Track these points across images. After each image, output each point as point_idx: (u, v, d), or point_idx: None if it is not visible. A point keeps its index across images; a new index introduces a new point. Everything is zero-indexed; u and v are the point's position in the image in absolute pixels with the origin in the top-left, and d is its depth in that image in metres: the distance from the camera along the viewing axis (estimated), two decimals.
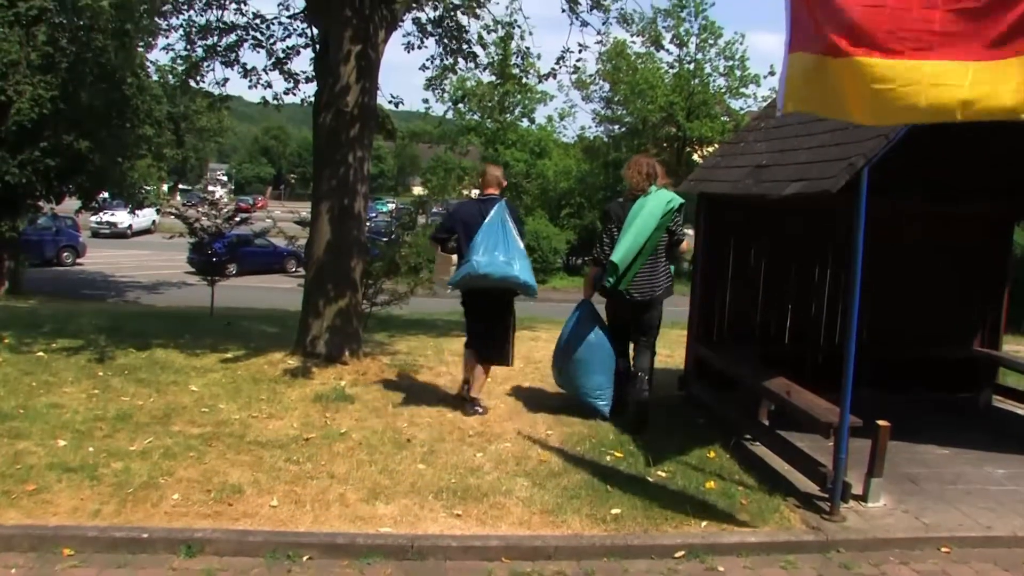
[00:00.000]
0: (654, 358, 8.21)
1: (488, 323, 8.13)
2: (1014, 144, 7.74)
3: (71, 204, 26.28)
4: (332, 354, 9.75)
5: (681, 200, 7.76)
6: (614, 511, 6.12)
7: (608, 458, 7.31)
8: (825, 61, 4.62)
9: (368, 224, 10.97)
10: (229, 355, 10.07)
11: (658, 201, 7.54)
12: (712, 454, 7.49)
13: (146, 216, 47.12)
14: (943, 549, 5.96)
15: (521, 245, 7.79)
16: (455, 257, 8.01)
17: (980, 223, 9.63)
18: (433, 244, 8.50)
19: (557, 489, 6.52)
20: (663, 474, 6.96)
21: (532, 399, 9.10)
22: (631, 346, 8.34)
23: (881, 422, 6.42)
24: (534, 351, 11.83)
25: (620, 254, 7.44)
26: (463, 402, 8.39)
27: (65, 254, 35.05)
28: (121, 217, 46.78)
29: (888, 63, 4.41)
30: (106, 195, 26.28)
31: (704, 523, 6.04)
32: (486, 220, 7.65)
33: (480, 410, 8.19)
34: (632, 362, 8.17)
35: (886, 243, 8.58)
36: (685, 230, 8.14)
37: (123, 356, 9.78)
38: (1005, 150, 8.08)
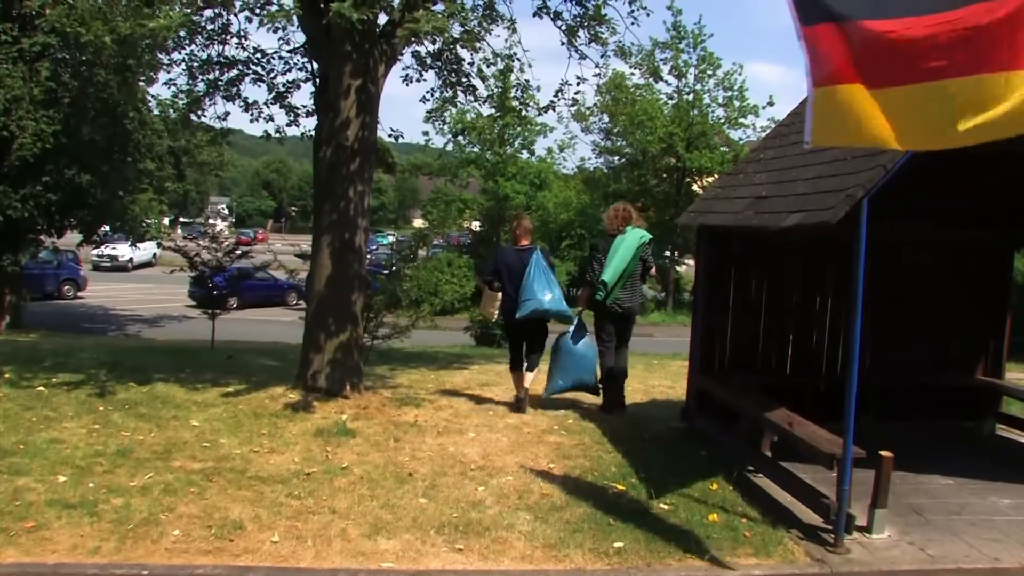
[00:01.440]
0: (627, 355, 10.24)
1: (531, 342, 9.91)
2: (1014, 172, 7.77)
3: (72, 238, 26.32)
4: (333, 388, 9.72)
5: (651, 236, 10.00)
6: (617, 544, 6.09)
7: (610, 491, 7.28)
8: (851, 89, 4.65)
9: (368, 257, 10.98)
10: (230, 389, 10.04)
11: (634, 237, 9.63)
12: (715, 486, 7.45)
13: (147, 249, 47.17)
14: None
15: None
16: (499, 295, 9.72)
17: (981, 251, 9.64)
18: (482, 284, 10.11)
19: (559, 523, 6.48)
20: (666, 507, 6.93)
21: (534, 432, 9.07)
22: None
23: (884, 453, 6.39)
24: (536, 383, 11.77)
25: (609, 275, 9.44)
26: (519, 406, 9.91)
27: (66, 288, 35.07)
28: (122, 251, 46.87)
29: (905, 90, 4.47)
30: (107, 229, 26.32)
31: (707, 556, 6.01)
32: (533, 266, 9.52)
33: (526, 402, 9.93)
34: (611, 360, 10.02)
35: (887, 272, 8.59)
36: (652, 259, 10.42)
37: (124, 391, 9.75)
38: (1005, 178, 8.10)
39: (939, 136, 4.57)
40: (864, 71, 4.60)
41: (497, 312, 9.88)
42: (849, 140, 5.00)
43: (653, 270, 9.91)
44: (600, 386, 10.10)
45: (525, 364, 9.94)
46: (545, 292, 9.42)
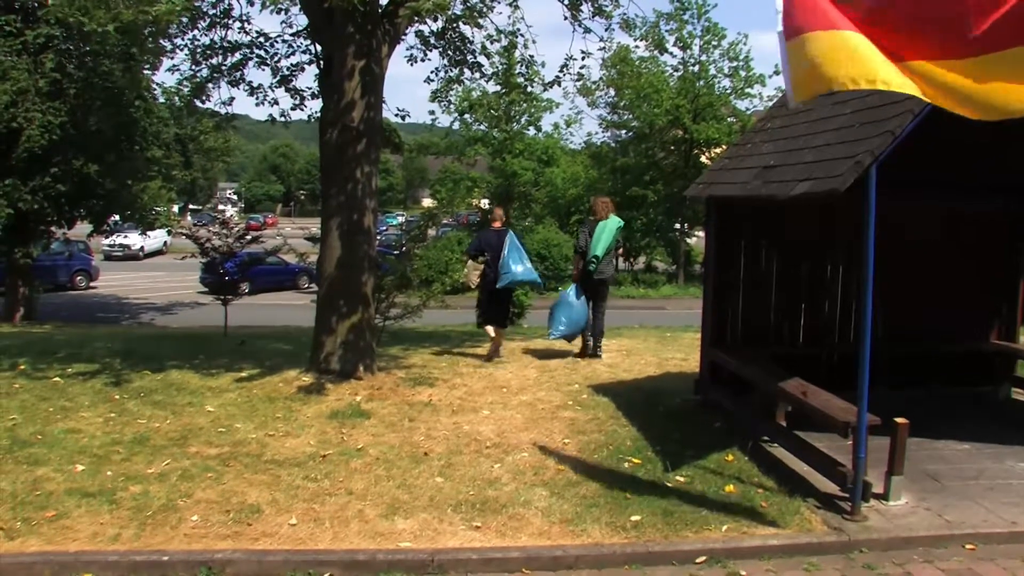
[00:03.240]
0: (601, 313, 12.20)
1: (502, 305, 12.10)
2: None
3: (83, 228, 26.38)
4: (346, 370, 9.75)
5: (623, 223, 12.68)
6: (634, 518, 6.10)
7: (626, 465, 7.29)
8: (831, 35, 4.62)
9: (378, 238, 10.98)
10: (244, 375, 10.09)
11: (614, 223, 11.87)
12: (730, 457, 7.45)
13: (158, 237, 47.34)
14: (968, 546, 5.91)
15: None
16: (482, 266, 11.88)
17: (993, 219, 9.57)
18: (470, 258, 12.27)
19: (576, 498, 6.50)
20: (681, 479, 6.94)
21: (548, 408, 9.09)
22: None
23: (899, 420, 6.38)
24: (548, 360, 11.80)
25: (600, 251, 11.62)
26: (495, 360, 11.79)
27: (78, 278, 35.16)
28: (133, 239, 47.02)
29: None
30: (117, 218, 26.34)
31: (725, 527, 6.01)
32: (508, 246, 11.67)
33: (502, 356, 11.99)
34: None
35: (899, 240, 8.54)
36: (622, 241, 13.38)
37: (138, 379, 9.81)
38: (1018, 148, 8.03)
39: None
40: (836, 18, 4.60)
41: (477, 279, 12.01)
42: (831, 86, 4.92)
43: (621, 249, 12.33)
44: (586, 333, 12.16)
45: (499, 323, 12.07)
46: (517, 265, 11.65)
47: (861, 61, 4.59)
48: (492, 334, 11.96)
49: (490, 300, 11.94)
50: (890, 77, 4.57)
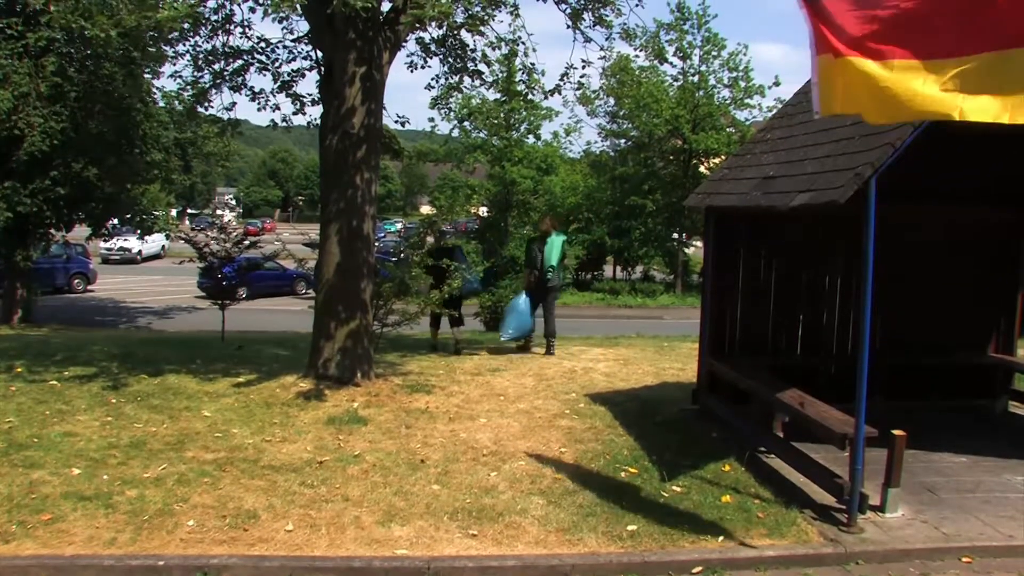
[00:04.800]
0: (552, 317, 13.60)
1: (457, 308, 13.48)
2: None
3: (82, 232, 26.35)
4: (344, 376, 9.75)
5: (566, 237, 14.80)
6: (630, 528, 6.10)
7: (623, 474, 7.29)
8: (853, 61, 4.64)
9: (376, 245, 10.98)
10: (241, 379, 10.08)
11: (560, 238, 13.58)
12: (727, 468, 7.46)
13: (156, 241, 47.27)
14: (964, 559, 5.92)
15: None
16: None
17: (991, 230, 9.59)
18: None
19: (572, 507, 6.50)
20: (678, 489, 6.94)
21: (545, 417, 9.09)
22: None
23: (897, 431, 6.39)
24: (546, 368, 11.81)
25: (555, 262, 13.22)
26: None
27: (76, 281, 35.09)
28: (131, 243, 46.96)
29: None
30: (116, 222, 26.30)
31: (721, 538, 6.02)
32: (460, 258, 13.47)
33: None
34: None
35: (897, 252, 8.55)
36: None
37: (136, 383, 9.80)
38: (1017, 157, 8.05)
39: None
40: (864, 43, 4.60)
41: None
42: (857, 109, 4.93)
43: (566, 259, 14.49)
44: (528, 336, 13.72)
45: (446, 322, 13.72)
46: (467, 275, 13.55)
47: (890, 98, 4.61)
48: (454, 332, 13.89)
49: (449, 304, 13.16)
50: (924, 106, 4.59)
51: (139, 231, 28.95)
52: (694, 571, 5.64)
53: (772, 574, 5.67)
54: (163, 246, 50.61)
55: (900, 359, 9.12)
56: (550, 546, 5.86)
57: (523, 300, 13.31)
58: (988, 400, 9.85)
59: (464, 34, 11.02)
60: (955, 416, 9.42)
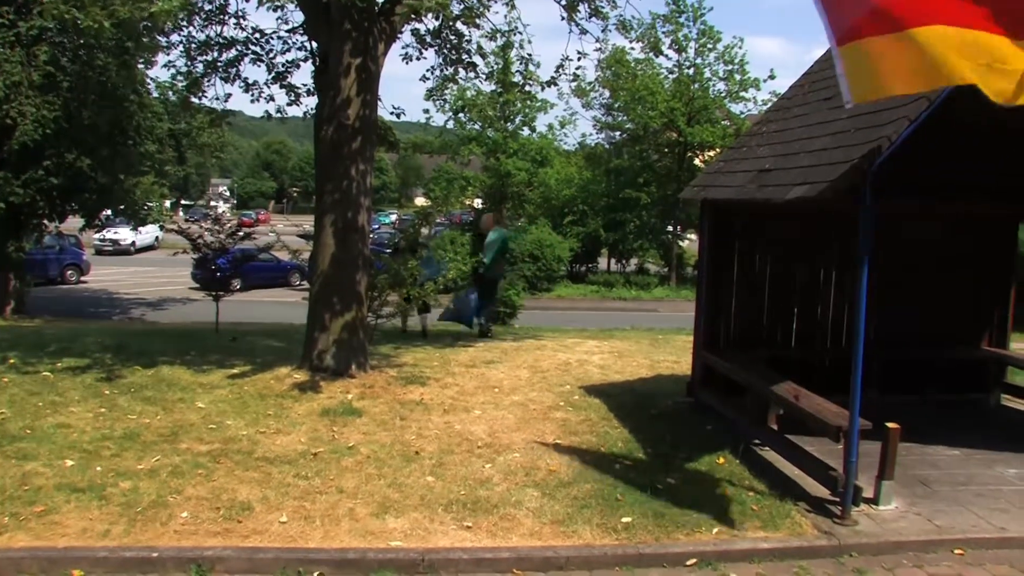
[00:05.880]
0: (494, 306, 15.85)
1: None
2: (1019, 146, 7.73)
3: (75, 223, 26.27)
4: (339, 368, 9.73)
5: (508, 234, 15.94)
6: (625, 520, 6.10)
7: (617, 466, 7.29)
8: (873, 41, 4.62)
9: (371, 236, 10.96)
10: (235, 371, 10.06)
11: (499, 234, 14.87)
12: (722, 460, 7.46)
13: (149, 233, 47.11)
14: (957, 551, 5.94)
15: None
16: None
17: (985, 224, 9.60)
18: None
19: (567, 499, 6.50)
20: (673, 481, 6.94)
21: (540, 409, 9.09)
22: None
23: (891, 424, 6.40)
24: (541, 360, 11.81)
25: (490, 258, 14.44)
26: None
27: (69, 272, 34.99)
28: (124, 234, 46.76)
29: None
30: (109, 213, 26.23)
31: (715, 530, 6.02)
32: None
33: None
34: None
35: (892, 245, 8.56)
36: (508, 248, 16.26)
37: (129, 374, 9.77)
38: (1011, 152, 8.06)
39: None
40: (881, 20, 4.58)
41: None
42: (888, 90, 4.91)
43: (508, 254, 15.82)
44: (473, 321, 14.88)
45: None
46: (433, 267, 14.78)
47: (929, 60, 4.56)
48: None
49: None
50: (956, 71, 4.52)
51: (133, 222, 28.89)
52: (688, 563, 5.64)
53: (766, 566, 5.68)
54: (157, 237, 50.46)
55: (894, 352, 9.14)
56: (545, 538, 5.86)
57: (469, 292, 14.85)
58: (981, 393, 9.88)
59: (460, 25, 10.98)
60: (949, 409, 9.44)
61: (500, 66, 16.31)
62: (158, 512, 5.96)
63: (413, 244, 14.49)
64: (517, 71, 13.10)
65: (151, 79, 22.95)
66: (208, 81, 11.52)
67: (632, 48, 39.83)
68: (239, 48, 11.37)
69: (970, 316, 9.87)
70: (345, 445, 7.60)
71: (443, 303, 14.72)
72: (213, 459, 7.08)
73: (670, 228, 42.27)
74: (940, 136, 6.57)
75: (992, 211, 9.40)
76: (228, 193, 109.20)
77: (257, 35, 11.44)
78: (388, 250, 15.13)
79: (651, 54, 40.52)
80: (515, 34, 12.04)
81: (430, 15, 10.05)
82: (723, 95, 41.11)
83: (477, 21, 10.08)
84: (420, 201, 69.90)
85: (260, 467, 6.96)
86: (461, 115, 39.15)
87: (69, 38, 20.32)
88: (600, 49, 11.97)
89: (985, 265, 9.74)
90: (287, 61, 11.51)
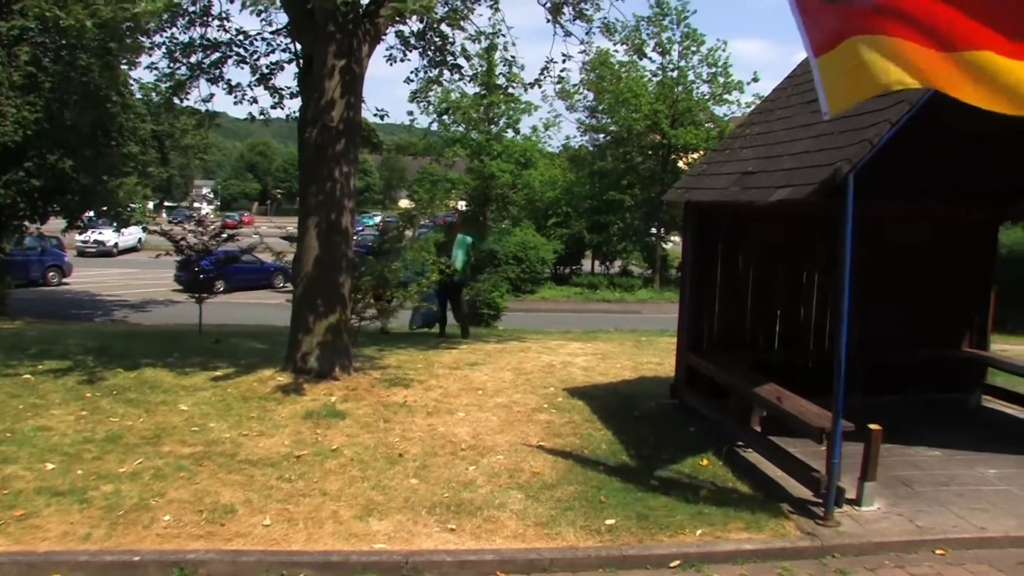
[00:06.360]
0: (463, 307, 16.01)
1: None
2: (999, 150, 7.80)
3: (56, 224, 26.11)
4: (322, 370, 9.71)
5: (473, 238, 16.27)
6: (608, 522, 6.12)
7: (601, 468, 7.30)
8: (854, 43, 4.66)
9: (355, 238, 10.95)
10: (219, 373, 10.01)
11: (465, 239, 15.23)
12: (705, 462, 7.49)
13: (132, 234, 46.81)
14: (938, 551, 5.98)
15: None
16: None
17: (966, 227, 9.67)
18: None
19: (551, 501, 6.50)
20: (656, 483, 6.96)
21: (524, 411, 9.09)
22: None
23: (873, 426, 6.43)
24: (524, 362, 11.82)
25: (459, 264, 14.87)
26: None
27: (51, 274, 34.71)
28: (107, 236, 46.48)
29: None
30: (92, 214, 26.06)
31: (699, 532, 6.04)
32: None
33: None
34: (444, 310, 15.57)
35: (874, 248, 8.60)
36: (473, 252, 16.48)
37: (111, 377, 9.72)
38: (992, 156, 8.12)
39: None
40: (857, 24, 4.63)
41: None
42: (864, 94, 4.96)
43: (472, 259, 16.24)
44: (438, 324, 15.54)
45: None
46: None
47: (879, 67, 4.61)
48: None
49: None
50: (902, 77, 4.57)
51: (115, 224, 28.71)
52: (672, 565, 5.66)
53: (750, 567, 5.70)
54: (140, 239, 50.12)
55: (877, 354, 9.18)
56: (528, 540, 5.87)
57: (431, 297, 15.01)
58: (963, 394, 9.95)
59: (444, 27, 10.99)
60: (930, 410, 9.50)
61: (484, 68, 16.31)
62: (140, 515, 5.93)
63: (383, 247, 14.74)
64: (501, 73, 13.11)
65: (134, 80, 22.83)
66: (192, 83, 11.49)
67: (616, 51, 39.88)
68: (223, 50, 11.34)
69: (951, 318, 9.93)
70: (329, 447, 7.58)
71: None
72: (196, 462, 7.05)
73: (654, 230, 42.34)
74: (922, 140, 6.61)
75: (973, 214, 9.48)
76: (212, 195, 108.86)
77: (241, 37, 11.42)
78: (372, 253, 15.03)
79: (635, 57, 40.51)
80: (499, 36, 12.07)
81: (414, 17, 10.05)
82: (707, 97, 41.25)
83: (462, 23, 10.09)
84: (404, 203, 69.76)
85: (243, 470, 6.94)
86: (445, 117, 39.09)
87: (51, 38, 20.16)
88: (584, 51, 12.01)
89: (966, 267, 9.81)
90: (271, 63, 11.51)
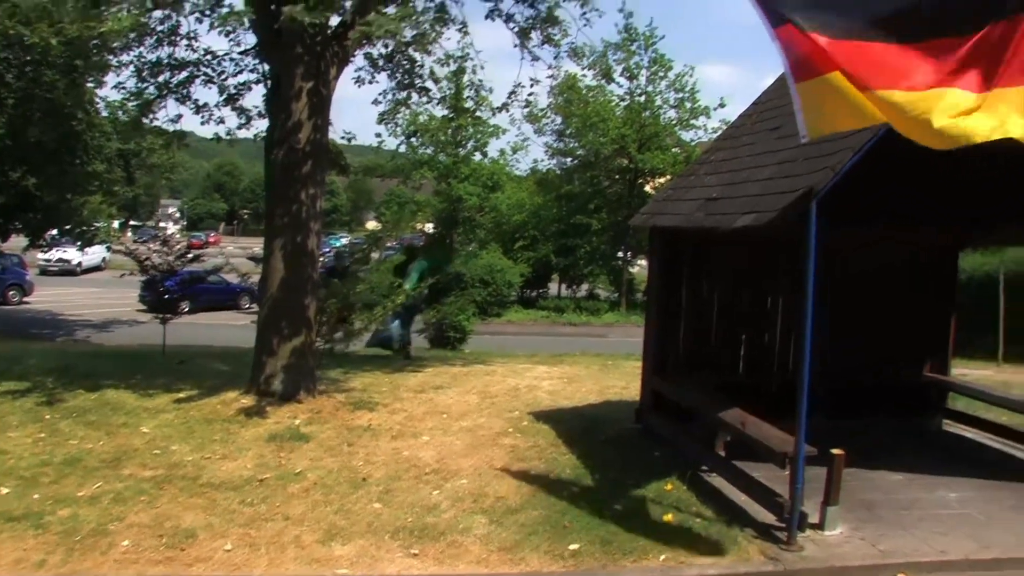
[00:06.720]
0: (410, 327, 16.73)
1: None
2: (963, 176, 7.91)
3: (18, 241, 25.79)
4: (286, 392, 9.64)
5: (428, 263, 16.40)
6: (572, 547, 6.10)
7: (566, 493, 7.29)
8: (832, 78, 4.76)
9: (321, 260, 10.91)
10: (182, 395, 9.91)
11: (422, 263, 15.70)
12: (669, 486, 7.49)
13: (96, 253, 46.35)
14: (900, 575, 6.01)
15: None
16: None
17: (927, 252, 9.80)
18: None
19: (515, 526, 6.48)
20: (620, 508, 6.95)
21: (489, 435, 9.07)
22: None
23: (836, 450, 6.48)
24: (490, 386, 11.79)
25: (411, 285, 15.04)
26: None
27: (11, 292, 34.20)
28: (70, 254, 45.98)
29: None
30: (55, 232, 25.79)
31: (663, 556, 6.04)
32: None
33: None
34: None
35: (838, 272, 8.69)
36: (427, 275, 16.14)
37: (72, 398, 9.59)
38: (953, 182, 8.24)
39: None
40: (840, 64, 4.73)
41: None
42: (845, 124, 5.09)
43: (427, 280, 16.12)
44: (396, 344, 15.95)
45: None
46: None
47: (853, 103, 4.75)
48: None
49: None
50: (875, 112, 4.73)
51: (79, 242, 28.40)
52: None
53: None
54: (104, 258, 49.60)
55: (840, 378, 9.25)
56: (492, 565, 5.84)
57: (392, 318, 15.58)
58: (924, 418, 10.04)
59: (412, 51, 11.03)
60: (892, 434, 9.57)
61: (452, 91, 16.41)
62: (98, 540, 5.84)
63: (348, 268, 14.85)
64: (469, 96, 13.18)
65: (100, 98, 22.67)
66: (160, 103, 11.43)
67: (584, 75, 40.09)
68: (191, 69, 11.30)
69: (913, 343, 10.03)
70: (292, 471, 7.51)
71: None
72: (157, 485, 6.97)
73: (620, 254, 42.47)
74: (885, 166, 6.70)
75: (935, 239, 9.60)
76: (178, 214, 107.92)
77: (209, 57, 11.38)
78: (336, 275, 14.97)
79: (603, 81, 40.85)
80: (468, 60, 12.12)
81: (382, 40, 10.07)
82: (674, 122, 41.55)
83: (429, 48, 10.12)
84: (371, 224, 69.61)
85: (205, 493, 6.86)
86: (413, 139, 39.10)
87: (15, 54, 20.01)
88: (553, 76, 12.10)
89: (928, 293, 9.93)
90: (239, 83, 11.48)
